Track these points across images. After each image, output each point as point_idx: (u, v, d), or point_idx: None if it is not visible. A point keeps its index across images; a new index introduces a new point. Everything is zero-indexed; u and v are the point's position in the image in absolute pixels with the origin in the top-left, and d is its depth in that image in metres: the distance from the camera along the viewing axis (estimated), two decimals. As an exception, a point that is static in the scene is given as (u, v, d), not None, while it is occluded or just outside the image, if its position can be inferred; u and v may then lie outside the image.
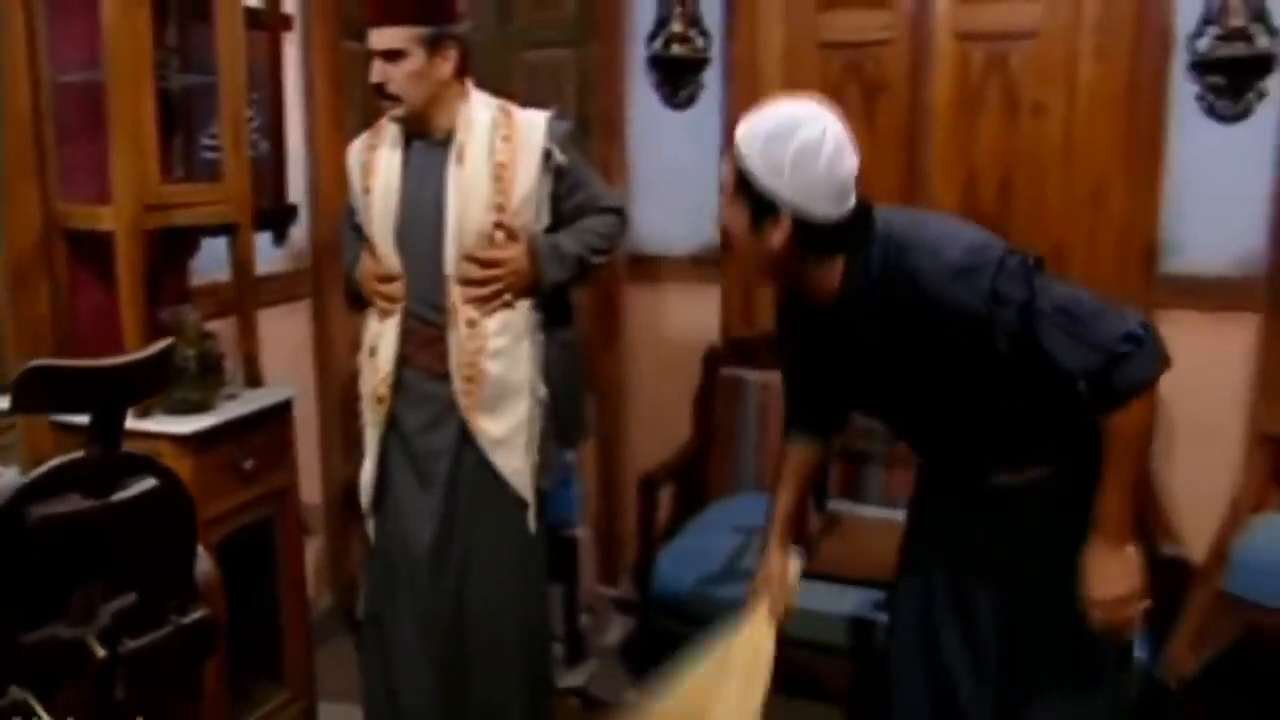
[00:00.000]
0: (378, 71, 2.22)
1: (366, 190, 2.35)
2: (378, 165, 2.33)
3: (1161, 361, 1.61)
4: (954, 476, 1.89)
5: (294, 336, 3.20)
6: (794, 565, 1.98)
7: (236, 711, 2.53)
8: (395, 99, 2.23)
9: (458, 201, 2.25)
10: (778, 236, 1.63)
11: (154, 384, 1.29)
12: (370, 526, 2.49)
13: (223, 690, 2.41)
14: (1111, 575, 1.68)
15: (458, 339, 2.28)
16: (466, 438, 2.32)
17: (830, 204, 1.62)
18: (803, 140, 1.58)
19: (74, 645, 1.26)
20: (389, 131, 2.34)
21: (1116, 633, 1.74)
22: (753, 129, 1.63)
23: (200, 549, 1.47)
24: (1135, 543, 1.70)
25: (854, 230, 1.66)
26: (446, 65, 2.23)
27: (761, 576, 1.98)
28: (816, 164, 1.58)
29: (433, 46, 2.20)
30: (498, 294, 2.27)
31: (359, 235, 2.42)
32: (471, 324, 2.27)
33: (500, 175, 2.26)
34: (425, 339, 2.32)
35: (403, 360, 2.34)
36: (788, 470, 2.00)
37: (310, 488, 3.12)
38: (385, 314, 2.35)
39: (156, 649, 1.38)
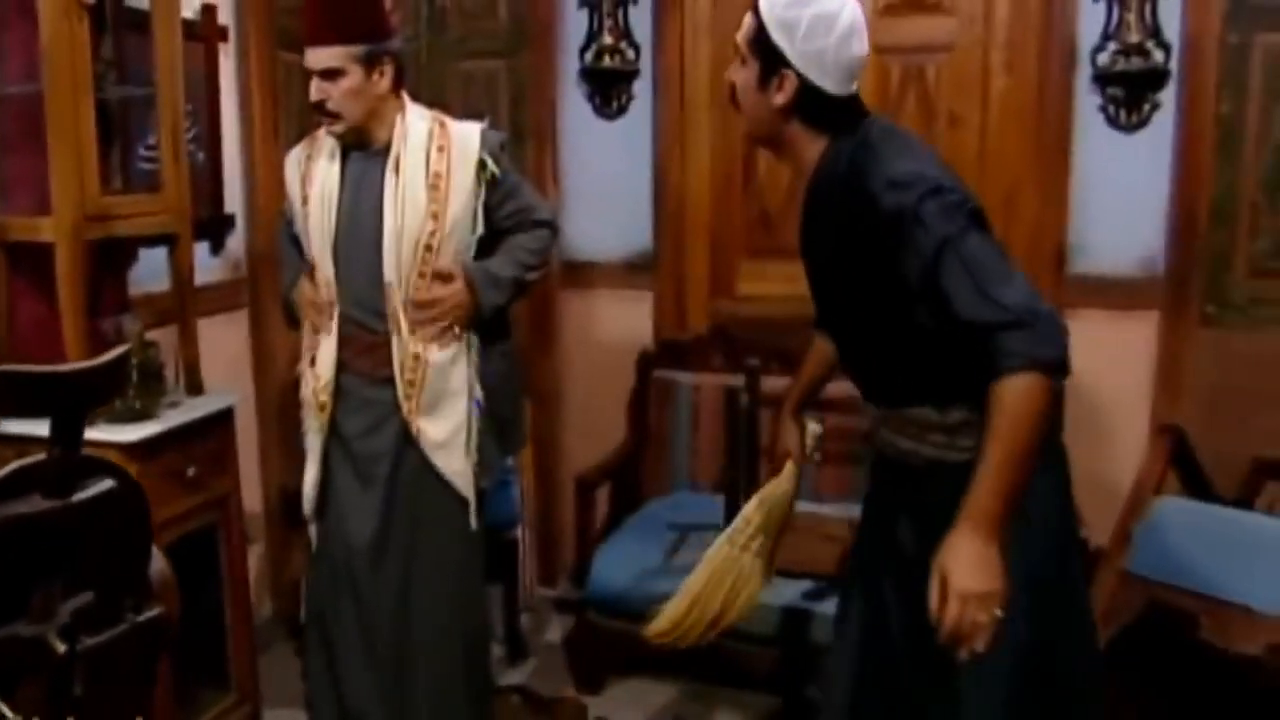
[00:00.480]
0: (317, 90, 2.26)
1: (304, 200, 2.39)
2: (315, 175, 2.37)
3: (1058, 351, 1.54)
4: (890, 443, 1.87)
5: (232, 345, 3.21)
6: (810, 428, 2.20)
7: (183, 717, 2.55)
8: (335, 116, 2.28)
9: (395, 211, 2.30)
10: (781, 97, 1.72)
11: (111, 389, 1.34)
12: (313, 531, 2.53)
13: (169, 695, 2.43)
14: (975, 566, 1.54)
15: (400, 344, 2.34)
16: (408, 439, 2.38)
17: (833, 80, 1.71)
18: (821, 9, 1.68)
19: (34, 643, 1.30)
20: (326, 141, 2.38)
21: (963, 637, 1.55)
22: None
23: (154, 549, 1.52)
24: (1001, 548, 1.56)
25: (846, 115, 1.76)
26: (383, 81, 2.29)
27: (781, 444, 2.19)
28: (829, 36, 1.68)
29: (369, 63, 2.26)
30: (446, 329, 2.34)
31: (297, 249, 2.46)
32: (413, 330, 2.34)
33: (436, 185, 2.32)
34: (366, 345, 2.37)
35: (341, 366, 2.39)
36: (810, 356, 2.16)
37: (250, 496, 3.14)
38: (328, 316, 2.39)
39: (113, 646, 1.43)
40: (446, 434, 2.37)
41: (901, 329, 1.72)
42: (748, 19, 1.77)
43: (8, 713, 1.25)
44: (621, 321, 3.60)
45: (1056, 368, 1.55)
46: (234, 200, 3.21)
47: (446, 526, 2.43)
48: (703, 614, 2.23)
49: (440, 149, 2.34)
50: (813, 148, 1.78)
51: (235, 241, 3.23)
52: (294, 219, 2.44)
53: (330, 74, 2.24)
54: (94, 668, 1.39)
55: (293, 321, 2.54)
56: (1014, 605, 1.59)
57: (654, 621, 2.26)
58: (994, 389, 1.55)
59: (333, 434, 2.42)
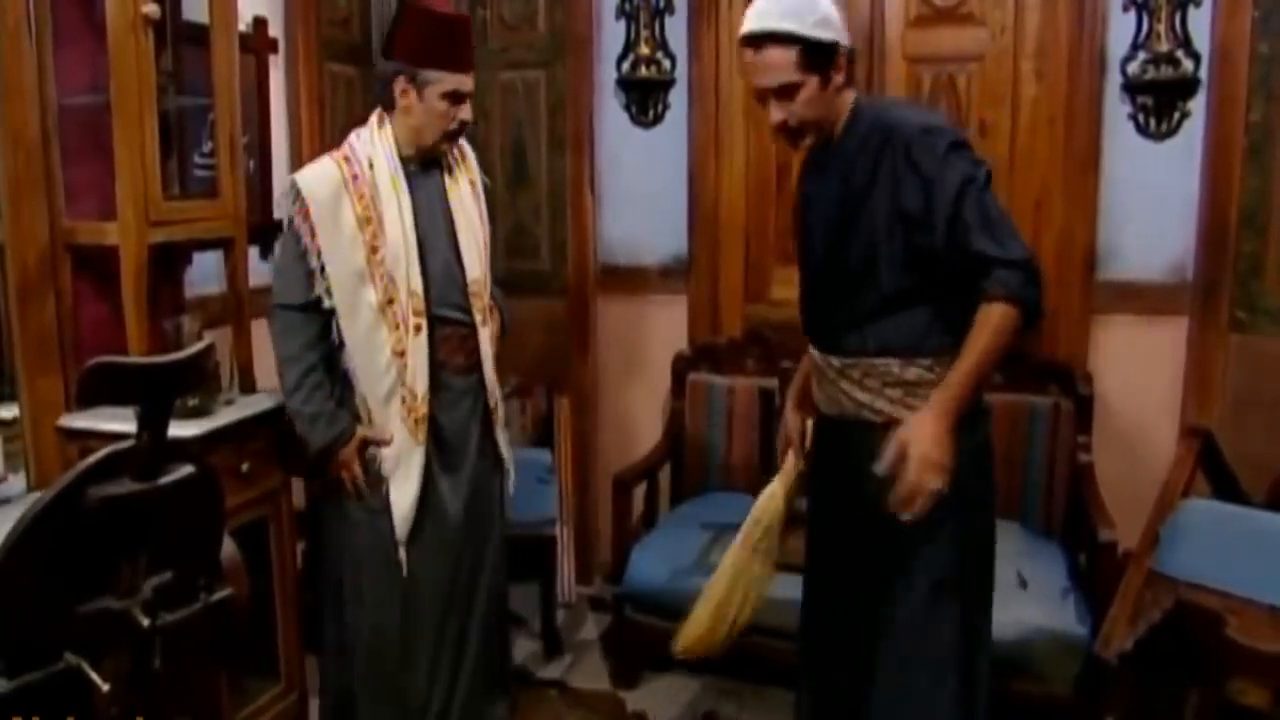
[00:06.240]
0: (472, 111, 2.48)
1: (368, 220, 2.36)
2: (380, 192, 2.38)
3: (1038, 297, 1.85)
4: (847, 395, 2.06)
5: (280, 347, 3.30)
6: (810, 423, 2.29)
7: (233, 705, 2.63)
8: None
9: (462, 214, 2.50)
10: (841, 75, 2.00)
11: (194, 381, 1.43)
12: (403, 555, 2.46)
13: (219, 684, 2.51)
14: (935, 440, 1.80)
15: (485, 335, 2.52)
16: (485, 427, 2.57)
17: (846, 36, 2.01)
18: None
19: (121, 616, 1.39)
20: (376, 156, 2.39)
21: (912, 499, 1.80)
22: (792, 11, 1.93)
23: (225, 534, 1.61)
24: (953, 436, 1.83)
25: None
26: None
27: (781, 435, 2.36)
28: (833, 6, 1.99)
29: None
30: None
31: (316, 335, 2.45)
32: (485, 324, 2.53)
33: (473, 190, 2.54)
34: (459, 339, 2.50)
35: (440, 365, 2.47)
36: (806, 359, 2.27)
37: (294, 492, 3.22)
38: (416, 330, 2.39)
39: (188, 623, 1.51)
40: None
41: (890, 276, 1.96)
42: (777, 58, 1.94)
43: (98, 680, 1.33)
44: (657, 325, 3.67)
45: (1033, 310, 1.86)
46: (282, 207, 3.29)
47: (498, 509, 2.64)
48: (729, 621, 2.35)
49: (463, 156, 2.56)
50: (846, 106, 2.04)
51: (283, 247, 3.33)
52: (316, 250, 2.39)
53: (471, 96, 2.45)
54: (171, 643, 1.48)
55: (310, 470, 2.57)
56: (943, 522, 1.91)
57: (678, 639, 2.39)
58: (982, 308, 1.84)
59: (431, 437, 2.46)
